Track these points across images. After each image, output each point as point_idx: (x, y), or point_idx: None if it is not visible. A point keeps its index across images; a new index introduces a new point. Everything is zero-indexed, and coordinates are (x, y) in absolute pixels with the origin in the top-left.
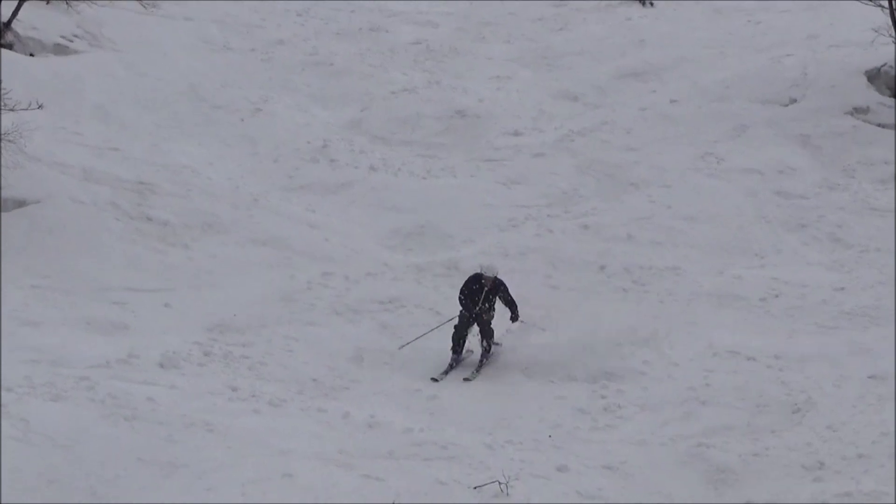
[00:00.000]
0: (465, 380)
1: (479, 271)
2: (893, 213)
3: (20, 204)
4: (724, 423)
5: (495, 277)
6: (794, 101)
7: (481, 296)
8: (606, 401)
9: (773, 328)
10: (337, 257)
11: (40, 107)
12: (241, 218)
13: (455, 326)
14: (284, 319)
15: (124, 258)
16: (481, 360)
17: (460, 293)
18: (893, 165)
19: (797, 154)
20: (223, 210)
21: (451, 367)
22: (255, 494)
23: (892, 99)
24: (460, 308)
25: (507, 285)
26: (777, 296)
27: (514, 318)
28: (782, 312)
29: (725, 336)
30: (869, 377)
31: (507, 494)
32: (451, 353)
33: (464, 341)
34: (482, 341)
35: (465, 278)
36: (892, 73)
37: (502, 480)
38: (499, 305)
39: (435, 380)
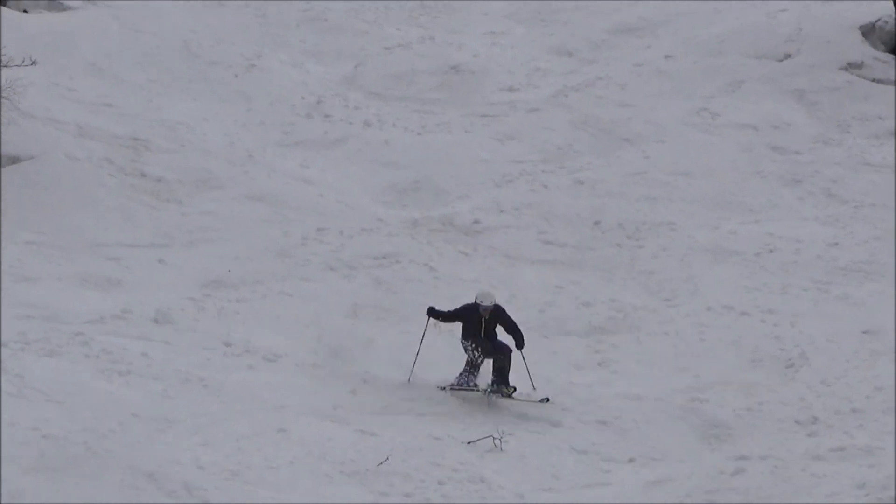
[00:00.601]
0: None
1: (474, 301)
2: (889, 168)
3: (14, 160)
4: (718, 378)
5: (494, 305)
6: (788, 56)
7: (481, 328)
8: (601, 355)
9: (768, 283)
10: (332, 213)
11: (34, 63)
12: (235, 174)
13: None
14: (279, 275)
15: (119, 214)
16: (499, 379)
17: (444, 313)
18: (888, 121)
19: (792, 109)
20: (218, 166)
21: (465, 383)
22: (250, 449)
23: (887, 54)
24: (433, 316)
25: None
26: (772, 251)
27: (520, 344)
28: (777, 268)
29: (720, 291)
30: (863, 332)
31: (501, 449)
32: (465, 367)
33: (478, 366)
34: (495, 364)
35: (460, 306)
36: (887, 27)
37: (496, 436)
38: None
39: (442, 388)
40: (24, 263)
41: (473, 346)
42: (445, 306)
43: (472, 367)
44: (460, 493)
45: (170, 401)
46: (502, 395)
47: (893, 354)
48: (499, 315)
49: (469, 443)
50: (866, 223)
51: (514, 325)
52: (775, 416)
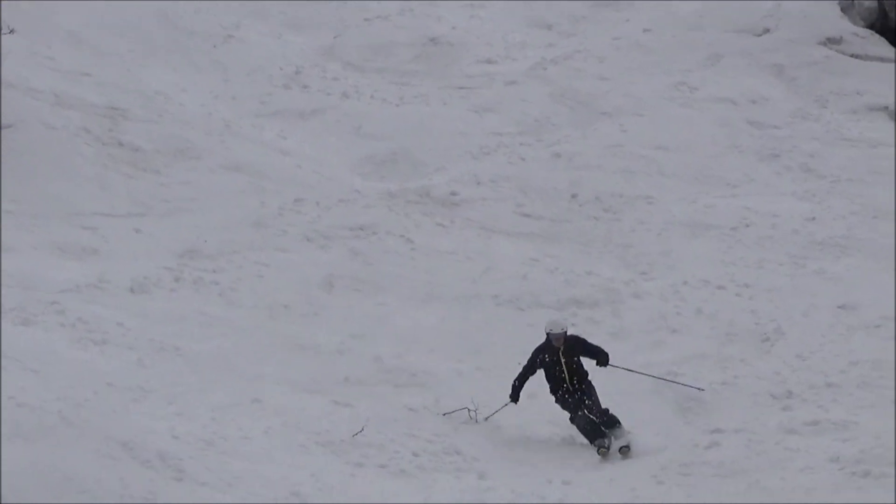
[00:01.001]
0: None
1: (547, 334)
2: (866, 143)
3: None
4: (694, 351)
5: (565, 333)
6: (767, 31)
7: (561, 365)
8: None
9: (744, 257)
10: (309, 184)
11: (12, 32)
12: (213, 144)
13: (571, 419)
14: (255, 245)
15: (96, 183)
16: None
17: (520, 374)
18: (866, 96)
19: (770, 84)
20: (195, 136)
21: (605, 448)
22: (225, 419)
23: (866, 29)
24: (513, 400)
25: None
26: (748, 225)
27: (603, 360)
28: (753, 242)
29: (696, 265)
30: (839, 307)
31: (476, 421)
32: (594, 445)
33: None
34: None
35: (531, 352)
36: (866, 3)
37: (471, 407)
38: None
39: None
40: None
41: (568, 396)
42: (421, 279)
43: (587, 418)
44: (435, 464)
45: (145, 370)
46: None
47: (869, 329)
48: (577, 344)
49: (444, 414)
50: (843, 198)
51: (597, 348)
52: (750, 389)
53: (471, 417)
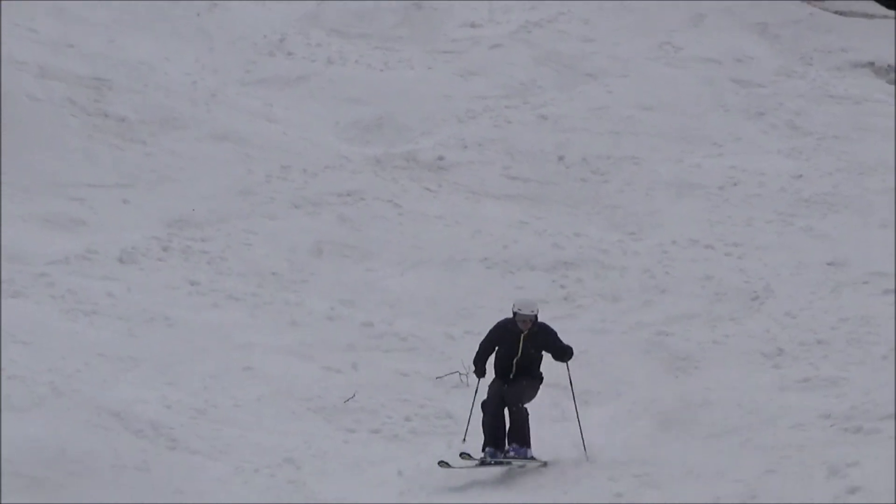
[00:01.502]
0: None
1: (514, 313)
2: (851, 100)
3: None
4: (683, 311)
5: (535, 317)
6: None
7: (518, 348)
8: (566, 290)
9: (732, 216)
10: (295, 150)
11: None
12: (198, 113)
13: (483, 403)
14: (243, 213)
15: (82, 155)
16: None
17: (480, 351)
18: (851, 53)
19: (755, 42)
20: (181, 106)
21: (484, 461)
22: (216, 387)
23: None
24: (478, 376)
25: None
26: (735, 184)
27: (564, 355)
28: (741, 200)
29: (684, 225)
30: (827, 264)
31: (468, 384)
32: (485, 446)
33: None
34: (513, 416)
35: (493, 326)
36: None
37: (462, 371)
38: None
39: (445, 464)
40: None
41: (502, 379)
42: (409, 244)
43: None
44: (427, 428)
45: (135, 340)
46: (522, 466)
47: (857, 285)
48: (545, 335)
49: (436, 378)
50: (830, 155)
51: (562, 348)
52: (740, 348)
53: (462, 381)
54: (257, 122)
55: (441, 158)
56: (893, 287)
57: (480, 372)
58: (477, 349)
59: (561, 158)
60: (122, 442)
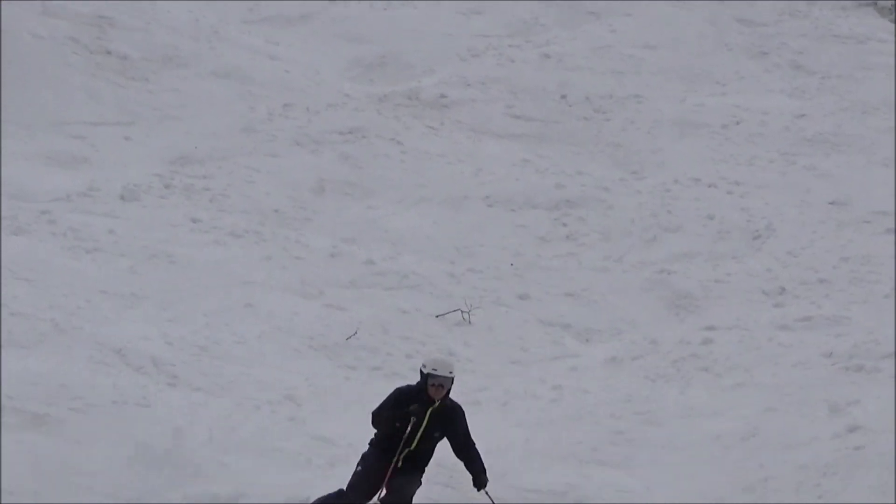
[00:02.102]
0: None
1: (425, 375)
2: (855, 39)
3: None
4: (686, 249)
5: (452, 380)
6: None
7: (417, 428)
8: (568, 228)
9: (735, 155)
10: (298, 88)
11: None
12: (201, 51)
13: (356, 473)
14: (246, 151)
15: (84, 92)
16: None
17: (377, 414)
18: None
19: None
20: (183, 43)
21: None
22: (218, 324)
23: None
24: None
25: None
26: (738, 123)
27: (480, 483)
28: (744, 139)
29: (687, 163)
30: (829, 203)
31: (470, 323)
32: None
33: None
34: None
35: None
36: None
37: (464, 309)
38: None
39: None
40: None
41: (377, 463)
42: (411, 182)
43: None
44: None
45: (137, 277)
46: None
47: (859, 224)
48: (454, 415)
49: (437, 316)
50: (833, 94)
51: (470, 439)
52: (742, 286)
53: (464, 319)
54: (260, 59)
55: (444, 96)
56: (895, 226)
57: (387, 427)
58: (373, 413)
59: (564, 97)
60: (124, 378)
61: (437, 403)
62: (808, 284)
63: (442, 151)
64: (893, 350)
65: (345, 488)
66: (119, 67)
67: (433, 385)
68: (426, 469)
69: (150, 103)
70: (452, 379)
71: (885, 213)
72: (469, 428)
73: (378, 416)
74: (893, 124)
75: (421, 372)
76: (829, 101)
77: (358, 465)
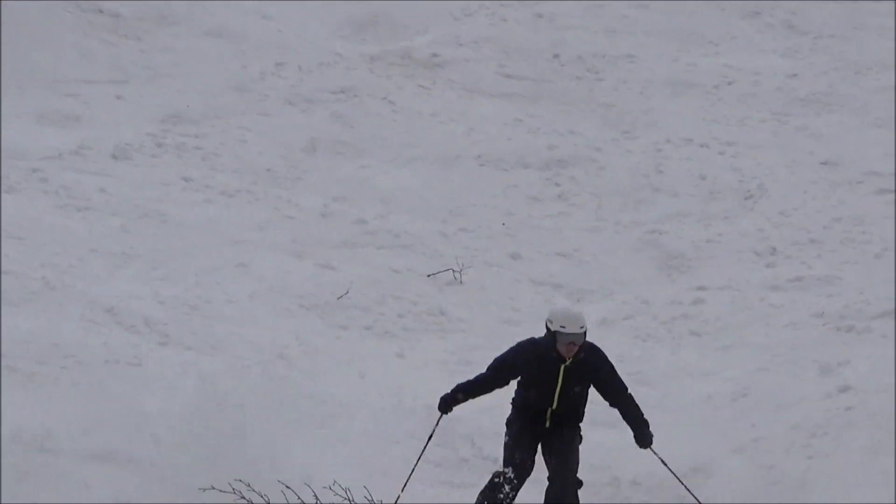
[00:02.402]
0: None
1: (553, 332)
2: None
3: None
4: (677, 209)
5: (584, 334)
6: None
7: (555, 387)
8: (560, 188)
9: (727, 115)
10: (290, 47)
11: None
12: (193, 9)
13: (506, 444)
14: (238, 110)
15: (76, 50)
16: None
17: (481, 379)
18: None
19: None
20: (175, 2)
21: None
22: (209, 283)
23: None
24: (443, 410)
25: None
26: (730, 83)
27: (642, 440)
28: (735, 99)
29: (679, 123)
30: (821, 163)
31: (461, 282)
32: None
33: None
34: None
35: (507, 351)
36: None
37: (456, 268)
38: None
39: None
40: None
41: (530, 429)
42: (404, 141)
43: (511, 480)
44: (420, 325)
45: (129, 236)
46: None
47: (851, 185)
48: (594, 363)
49: (429, 275)
50: (825, 54)
51: (626, 389)
52: (734, 246)
53: (455, 278)
54: (252, 18)
55: (436, 55)
56: (889, 186)
57: (447, 407)
58: (476, 378)
59: (556, 56)
60: (115, 337)
61: (568, 360)
62: (800, 245)
63: (434, 111)
64: (885, 310)
65: (502, 465)
66: (111, 26)
67: (564, 344)
68: (582, 418)
69: (143, 62)
70: (585, 333)
71: (878, 173)
72: (617, 372)
73: (463, 390)
74: (885, 84)
75: (547, 328)
76: (822, 61)
77: (505, 434)
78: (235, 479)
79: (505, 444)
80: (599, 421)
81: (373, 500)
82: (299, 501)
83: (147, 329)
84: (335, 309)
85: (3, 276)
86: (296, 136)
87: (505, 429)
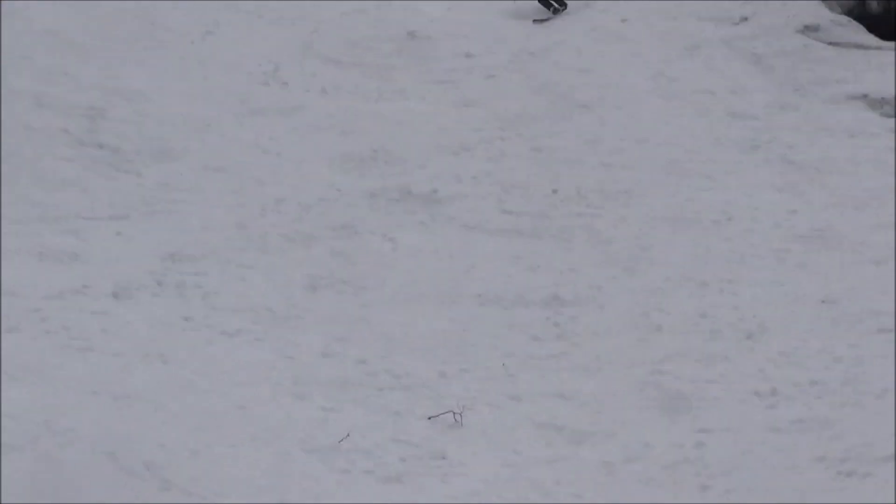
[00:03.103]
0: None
1: None
2: (846, 133)
3: None
4: (677, 349)
5: None
6: (745, 19)
7: None
8: (560, 328)
9: (726, 252)
10: (290, 183)
11: None
12: (193, 144)
13: None
14: (238, 247)
15: (76, 186)
16: None
17: None
18: (845, 85)
19: (749, 73)
20: (175, 136)
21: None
22: (210, 427)
23: (844, 16)
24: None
25: None
26: (729, 219)
27: None
28: (735, 236)
29: (678, 260)
30: (822, 301)
31: (462, 424)
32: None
33: None
34: None
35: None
36: None
37: (456, 410)
38: None
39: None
40: None
41: None
42: (405, 279)
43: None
44: (422, 469)
45: (130, 377)
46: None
47: (852, 324)
48: None
49: (430, 418)
50: (824, 190)
51: None
52: (734, 387)
53: (456, 421)
54: (252, 153)
55: (435, 191)
56: (889, 325)
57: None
58: None
59: (555, 191)
60: (117, 482)
61: None
62: (801, 385)
63: (434, 248)
64: (886, 454)
65: None
66: (111, 161)
67: None
68: None
69: (142, 198)
70: None
71: (877, 311)
72: None
73: None
74: (883, 220)
75: None
76: (821, 197)
77: None
78: None
79: None
80: None
81: None
82: None
83: (148, 474)
84: (336, 452)
85: (4, 419)
86: (296, 274)
87: None
